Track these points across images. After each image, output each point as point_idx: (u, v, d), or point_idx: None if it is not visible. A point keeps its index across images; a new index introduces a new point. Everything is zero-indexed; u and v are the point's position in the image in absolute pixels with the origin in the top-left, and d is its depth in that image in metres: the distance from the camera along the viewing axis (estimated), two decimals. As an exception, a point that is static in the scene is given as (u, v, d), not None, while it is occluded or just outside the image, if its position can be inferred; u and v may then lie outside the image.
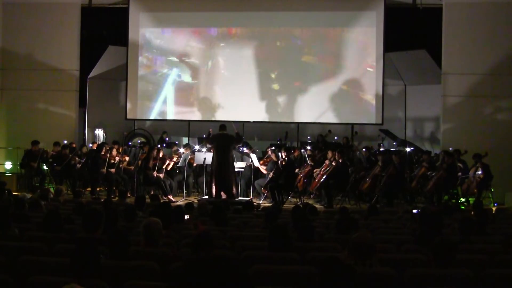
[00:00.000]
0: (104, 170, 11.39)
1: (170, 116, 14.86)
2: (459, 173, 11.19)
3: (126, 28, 14.53)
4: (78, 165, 11.99)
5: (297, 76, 14.28)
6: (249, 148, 12.46)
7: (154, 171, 11.30)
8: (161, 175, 11.44)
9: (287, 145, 13.26)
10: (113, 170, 11.46)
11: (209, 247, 4.08)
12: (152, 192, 11.37)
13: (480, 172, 10.94)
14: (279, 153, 11.46)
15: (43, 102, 14.27)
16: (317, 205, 9.60)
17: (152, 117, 15.05)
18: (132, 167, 11.85)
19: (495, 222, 7.04)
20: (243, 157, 11.76)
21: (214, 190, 10.75)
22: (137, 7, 14.56)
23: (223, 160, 10.79)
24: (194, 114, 14.71)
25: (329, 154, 11.38)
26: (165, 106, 14.76)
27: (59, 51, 14.21)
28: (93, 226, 4.60)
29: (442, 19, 13.16)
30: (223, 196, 10.63)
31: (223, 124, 11.23)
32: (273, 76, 14.41)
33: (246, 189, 11.80)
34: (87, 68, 15.42)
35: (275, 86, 14.38)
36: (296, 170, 11.48)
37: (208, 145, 11.40)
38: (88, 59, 15.23)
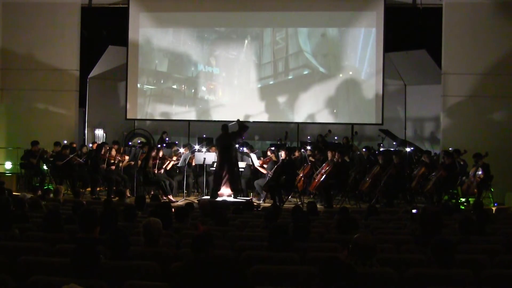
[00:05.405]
0: (104, 166, 11.40)
1: (170, 116, 14.86)
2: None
3: (126, 28, 14.54)
4: (78, 162, 12.00)
5: (297, 76, 14.28)
6: (249, 148, 12.46)
7: (154, 170, 11.33)
8: (161, 171, 11.49)
9: (287, 146, 13.25)
10: (113, 167, 11.48)
11: (209, 247, 4.08)
12: (152, 192, 11.38)
13: (480, 172, 10.93)
14: (279, 153, 11.45)
15: (43, 102, 14.26)
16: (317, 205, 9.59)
17: (152, 117, 15.05)
18: (132, 162, 11.90)
19: (495, 222, 7.04)
20: (243, 157, 11.79)
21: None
22: (137, 7, 14.57)
23: (224, 159, 10.88)
24: (194, 114, 14.72)
25: (329, 154, 11.37)
26: (165, 106, 14.76)
27: (59, 51, 14.21)
28: (89, 226, 4.60)
29: (442, 19, 13.16)
30: (224, 196, 10.66)
31: (224, 125, 11.27)
32: (273, 76, 14.41)
33: (246, 189, 11.81)
34: (87, 68, 15.42)
35: (275, 86, 14.38)
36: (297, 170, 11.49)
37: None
38: (88, 59, 15.23)
